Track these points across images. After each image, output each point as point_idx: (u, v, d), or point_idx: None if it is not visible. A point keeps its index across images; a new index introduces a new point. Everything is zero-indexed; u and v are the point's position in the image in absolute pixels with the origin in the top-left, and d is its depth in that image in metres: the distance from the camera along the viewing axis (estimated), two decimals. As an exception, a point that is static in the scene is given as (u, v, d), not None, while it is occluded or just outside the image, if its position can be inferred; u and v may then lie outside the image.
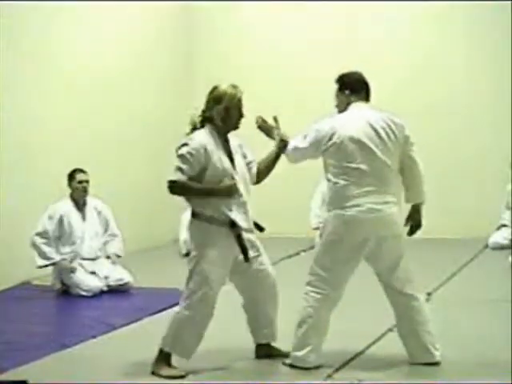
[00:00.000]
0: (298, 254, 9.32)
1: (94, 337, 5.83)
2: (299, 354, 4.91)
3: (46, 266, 7.41)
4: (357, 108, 4.95)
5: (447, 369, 4.86)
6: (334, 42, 10.66)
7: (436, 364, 4.90)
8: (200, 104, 4.98)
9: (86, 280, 7.31)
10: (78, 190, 7.52)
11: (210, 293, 4.85)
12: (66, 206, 7.53)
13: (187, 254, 9.20)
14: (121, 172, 9.12)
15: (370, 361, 5.07)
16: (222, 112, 4.88)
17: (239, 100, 4.91)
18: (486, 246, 9.34)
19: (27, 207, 8.09)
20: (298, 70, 10.80)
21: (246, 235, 4.90)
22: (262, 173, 5.12)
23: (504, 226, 9.44)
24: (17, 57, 8.07)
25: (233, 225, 4.84)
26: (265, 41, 10.99)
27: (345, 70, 5.10)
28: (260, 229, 5.09)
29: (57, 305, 7.24)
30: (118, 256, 7.65)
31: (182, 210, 9.39)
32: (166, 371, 4.86)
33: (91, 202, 7.64)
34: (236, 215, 4.86)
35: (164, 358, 4.90)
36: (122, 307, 6.88)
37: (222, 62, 10.86)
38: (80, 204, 7.57)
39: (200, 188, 4.86)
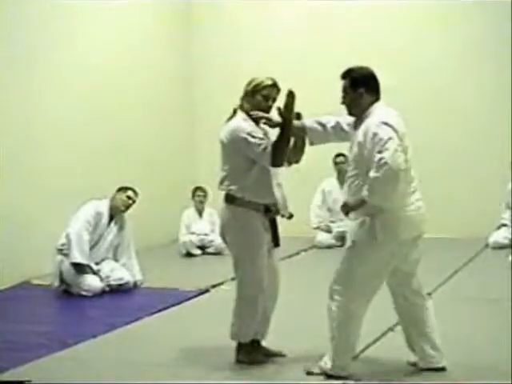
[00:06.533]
0: (297, 253, 9.32)
1: (94, 336, 5.84)
2: (336, 363, 4.70)
3: (80, 265, 7.26)
4: (385, 106, 4.63)
5: (447, 368, 4.86)
6: (335, 45, 10.64)
7: (442, 369, 4.82)
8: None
9: (87, 280, 7.31)
10: (122, 201, 7.49)
11: (259, 277, 4.87)
12: (104, 209, 7.51)
13: (187, 254, 9.35)
14: (120, 172, 9.12)
15: (369, 361, 5.07)
16: (247, 93, 4.92)
17: (264, 87, 4.89)
18: (486, 246, 9.34)
19: (27, 207, 8.10)
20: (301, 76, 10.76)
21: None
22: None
23: (504, 225, 9.44)
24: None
25: (267, 209, 4.92)
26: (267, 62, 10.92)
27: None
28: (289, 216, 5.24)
29: (57, 304, 7.25)
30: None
31: (182, 210, 9.41)
32: (252, 357, 4.99)
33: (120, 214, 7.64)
34: (276, 198, 5.01)
35: (246, 348, 5.00)
36: (122, 307, 6.88)
37: (222, 82, 10.75)
38: (113, 213, 7.56)
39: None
